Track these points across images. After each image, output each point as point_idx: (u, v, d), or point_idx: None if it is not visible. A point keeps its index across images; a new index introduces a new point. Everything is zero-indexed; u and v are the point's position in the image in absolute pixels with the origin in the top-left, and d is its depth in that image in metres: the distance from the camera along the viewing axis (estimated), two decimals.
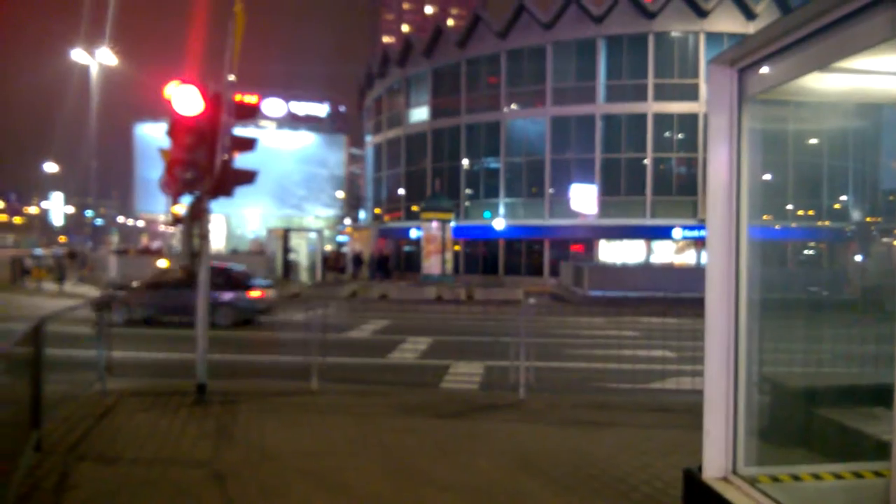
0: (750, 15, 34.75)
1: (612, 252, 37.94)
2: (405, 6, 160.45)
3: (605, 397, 8.96)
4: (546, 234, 38.45)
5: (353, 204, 64.79)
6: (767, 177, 4.40)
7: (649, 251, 37.65)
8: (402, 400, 8.54)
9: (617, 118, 37.15)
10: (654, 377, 9.57)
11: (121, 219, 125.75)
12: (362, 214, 59.53)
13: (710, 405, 4.08)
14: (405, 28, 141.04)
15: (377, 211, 50.37)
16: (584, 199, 37.28)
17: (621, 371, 9.99)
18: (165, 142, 8.57)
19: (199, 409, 7.81)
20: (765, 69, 3.90)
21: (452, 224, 33.55)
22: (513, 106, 40.04)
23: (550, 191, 38.37)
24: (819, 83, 3.82)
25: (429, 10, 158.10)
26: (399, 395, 8.88)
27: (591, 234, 37.53)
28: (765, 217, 4.42)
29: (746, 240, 4.12)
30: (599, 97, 37.35)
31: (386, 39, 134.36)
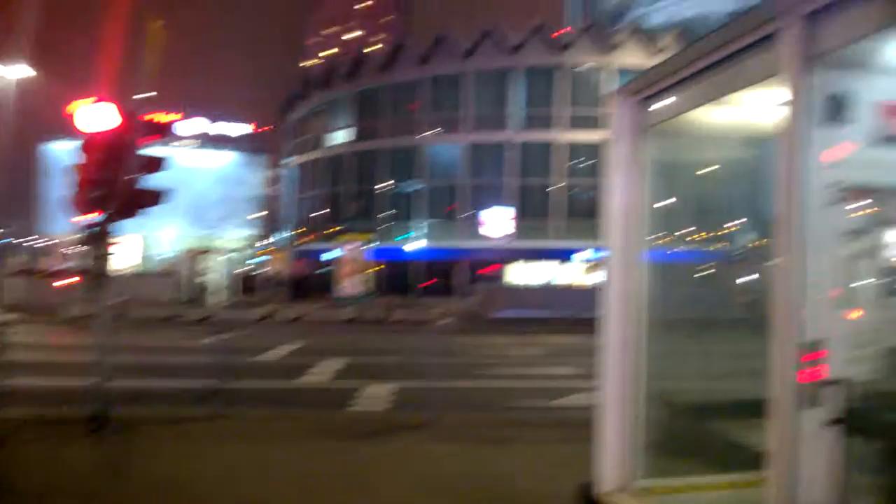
0: (656, 49, 36.58)
1: (525, 274, 38.75)
2: (328, 31, 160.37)
3: (512, 415, 9.12)
4: (462, 255, 38.89)
5: (271, 225, 63.68)
6: (664, 202, 4.65)
7: (559, 273, 38.68)
8: (312, 423, 8.42)
9: (530, 145, 38.19)
10: (560, 394, 9.82)
11: (26, 239, 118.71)
12: (280, 235, 58.56)
13: (605, 420, 4.24)
14: (328, 52, 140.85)
15: (295, 232, 49.68)
16: (498, 222, 37.98)
17: (529, 389, 10.21)
18: (73, 160, 8.23)
19: (96, 437, 7.45)
20: (664, 100, 4.14)
21: (370, 245, 33.47)
22: (432, 131, 40.54)
23: (467, 214, 38.92)
24: (712, 115, 4.09)
25: (352, 35, 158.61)
26: (309, 418, 8.75)
27: (505, 257, 38.22)
28: (660, 240, 4.66)
29: (642, 261, 4.33)
30: (514, 124, 38.35)
31: (308, 63, 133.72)
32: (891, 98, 3.08)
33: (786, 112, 2.91)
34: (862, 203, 3.13)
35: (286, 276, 43.55)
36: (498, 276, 37.98)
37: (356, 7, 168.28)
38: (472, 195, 39.05)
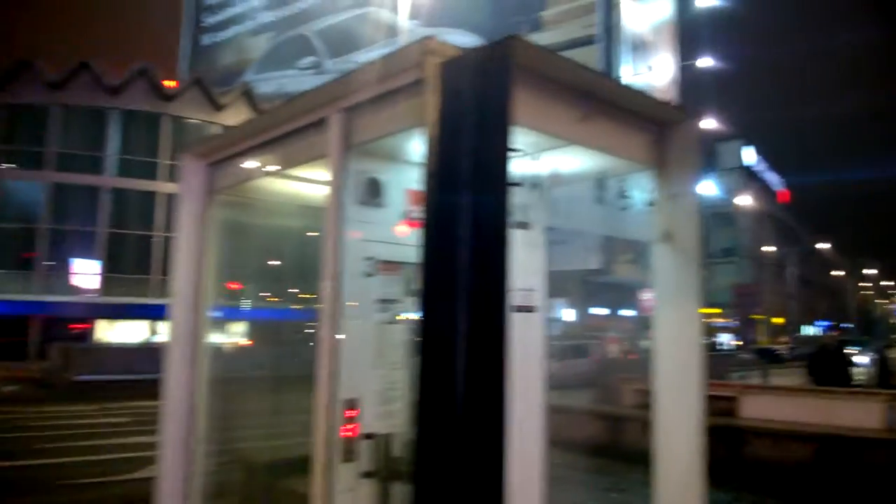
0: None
1: (117, 332, 35.34)
2: None
3: (72, 495, 8.11)
4: (38, 310, 33.80)
5: None
6: (231, 264, 4.72)
7: (156, 331, 36.19)
8: None
9: (127, 193, 35.54)
10: (135, 466, 9.07)
11: None
12: None
13: (164, 487, 4.06)
14: None
15: None
16: (86, 274, 34.17)
17: (99, 462, 9.22)
18: None
19: None
20: (232, 166, 4.25)
21: None
22: (6, 165, 35.04)
23: (47, 263, 34.20)
24: (276, 185, 4.32)
25: None
26: None
27: (93, 313, 34.39)
28: (225, 300, 4.71)
29: (208, 321, 4.33)
30: (110, 169, 35.37)
31: None
32: (415, 186, 3.65)
33: (330, 190, 3.25)
34: (391, 274, 3.63)
35: None
36: (84, 335, 33.87)
37: None
38: (55, 242, 34.50)
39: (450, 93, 2.54)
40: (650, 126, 3.34)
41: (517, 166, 3.01)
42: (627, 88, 3.49)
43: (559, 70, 2.75)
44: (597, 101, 2.97)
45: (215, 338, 4.40)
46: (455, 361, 2.32)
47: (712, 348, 38.04)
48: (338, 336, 3.17)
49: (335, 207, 3.22)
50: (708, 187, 46.57)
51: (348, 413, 3.41)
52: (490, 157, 2.47)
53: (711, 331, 47.56)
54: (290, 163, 3.83)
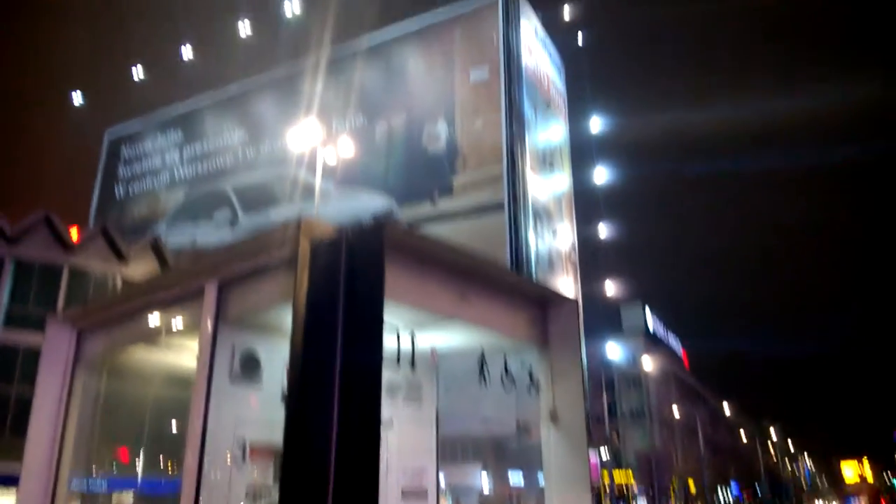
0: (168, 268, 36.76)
1: None
2: None
3: None
4: None
5: None
6: (100, 434, 4.34)
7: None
8: None
9: (14, 349, 33.21)
10: None
11: None
12: None
13: None
14: None
15: None
16: None
17: None
18: None
19: None
20: (103, 335, 4.00)
21: None
22: None
23: None
24: (150, 354, 4.07)
25: None
26: None
27: None
28: (89, 467, 4.30)
29: (66, 489, 3.91)
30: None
31: None
32: None
33: (198, 363, 3.06)
34: (263, 461, 3.36)
35: None
36: None
37: None
38: None
39: (322, 270, 2.50)
40: (531, 305, 3.38)
41: (396, 342, 2.93)
42: (505, 270, 3.56)
43: (435, 251, 2.78)
44: (476, 279, 2.99)
45: None
46: None
47: None
48: None
49: (203, 383, 3.02)
50: (613, 351, 47.88)
51: None
52: (361, 334, 2.39)
53: (628, 496, 46.85)
54: (163, 333, 3.64)
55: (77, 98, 57.41)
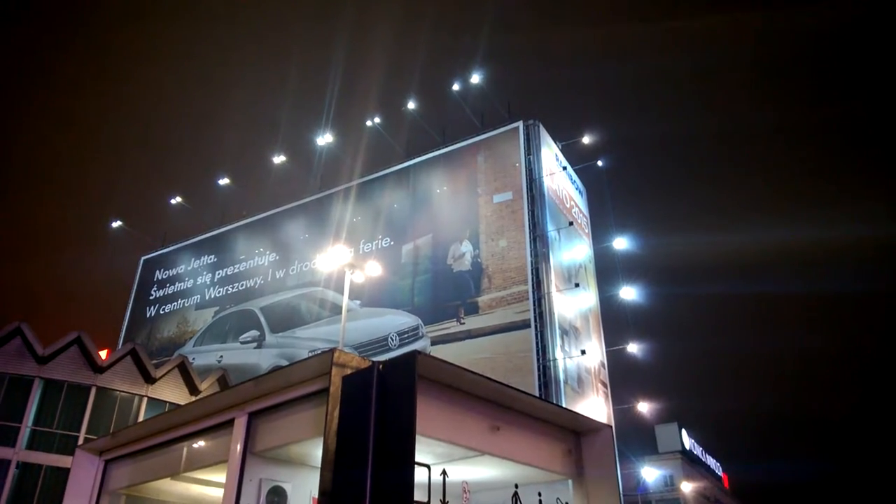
0: (196, 390, 36.60)
1: None
2: None
3: None
4: None
5: None
6: None
7: None
8: None
9: (37, 468, 32.73)
10: None
11: None
12: None
13: None
14: None
15: None
16: None
17: None
18: None
19: None
20: (129, 465, 3.96)
21: None
22: None
23: None
24: (173, 486, 4.00)
25: None
26: None
27: None
28: None
29: None
30: (22, 442, 32.94)
31: None
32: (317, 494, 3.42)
33: (227, 497, 2.99)
34: None
35: None
36: None
37: None
38: None
39: (352, 403, 2.49)
40: (565, 434, 3.30)
41: (427, 476, 2.85)
42: (538, 401, 3.51)
43: (466, 383, 2.76)
44: (509, 411, 2.94)
45: None
46: None
47: None
48: None
49: None
50: (650, 473, 45.88)
51: None
52: (392, 468, 2.34)
53: None
54: (191, 465, 3.59)
55: (116, 225, 59.78)
